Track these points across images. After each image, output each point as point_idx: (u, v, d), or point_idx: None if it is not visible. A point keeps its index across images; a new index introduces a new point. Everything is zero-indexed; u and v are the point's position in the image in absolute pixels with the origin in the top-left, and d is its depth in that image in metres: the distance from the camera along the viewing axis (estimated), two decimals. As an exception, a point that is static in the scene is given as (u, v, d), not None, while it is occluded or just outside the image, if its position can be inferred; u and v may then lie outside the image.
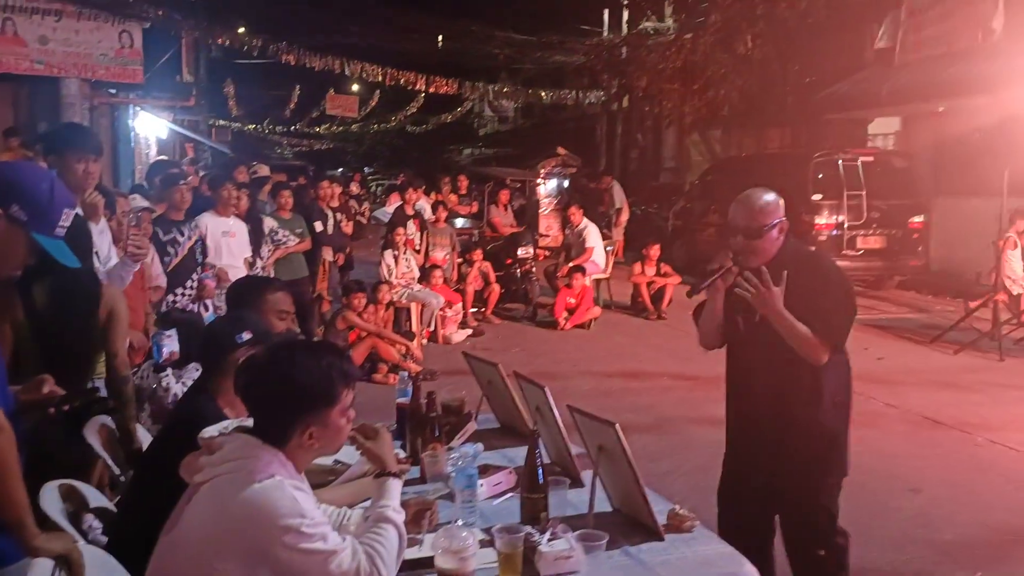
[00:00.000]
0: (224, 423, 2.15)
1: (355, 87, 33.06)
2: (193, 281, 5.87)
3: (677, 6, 20.26)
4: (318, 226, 9.00)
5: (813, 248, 3.38)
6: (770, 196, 3.11)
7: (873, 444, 5.86)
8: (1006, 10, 12.07)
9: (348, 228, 10.63)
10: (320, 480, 2.64)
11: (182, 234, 5.85)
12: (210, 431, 2.08)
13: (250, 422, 2.09)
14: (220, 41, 18.73)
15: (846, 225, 12.21)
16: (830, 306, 2.98)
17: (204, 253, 6.09)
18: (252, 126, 33.95)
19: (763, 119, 18.17)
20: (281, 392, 2.03)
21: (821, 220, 12.27)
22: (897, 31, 14.03)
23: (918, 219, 12.68)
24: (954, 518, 4.67)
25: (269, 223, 7.78)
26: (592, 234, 11.38)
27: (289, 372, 2.03)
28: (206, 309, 5.86)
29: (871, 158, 12.80)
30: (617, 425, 2.39)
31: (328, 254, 9.34)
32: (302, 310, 7.81)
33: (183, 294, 5.80)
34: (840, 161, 12.42)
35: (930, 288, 12.71)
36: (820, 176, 12.39)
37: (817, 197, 12.34)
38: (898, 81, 13.38)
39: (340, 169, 38.84)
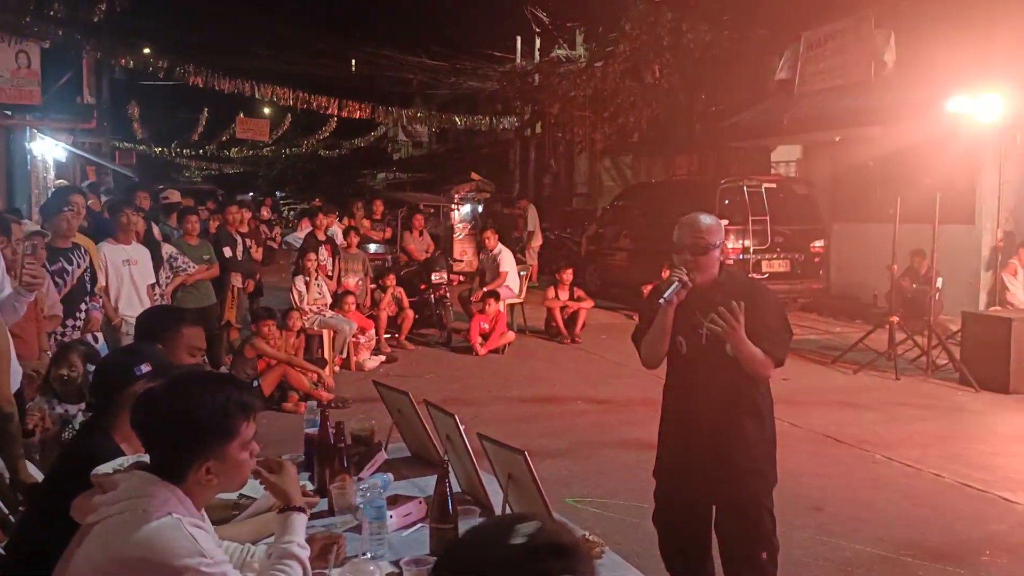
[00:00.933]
0: (119, 460, 2.06)
1: (266, 111, 32.61)
2: (82, 312, 5.62)
3: (588, 35, 20.68)
4: (226, 252, 8.81)
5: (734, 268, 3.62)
6: (713, 218, 3.37)
7: (778, 463, 6.01)
8: (897, 46, 12.70)
9: (258, 254, 10.43)
10: (223, 516, 2.56)
11: (70, 262, 5.57)
12: (104, 468, 2.00)
13: (147, 458, 2.02)
14: (123, 62, 18.24)
15: (752, 249, 12.58)
16: (775, 326, 3.23)
17: (93, 282, 5.83)
18: (159, 149, 33.08)
19: (672, 146, 18.65)
20: (177, 426, 1.96)
21: (728, 244, 12.61)
22: (796, 63, 14.60)
23: (819, 244, 13.16)
24: (855, 535, 4.82)
25: (168, 249, 7.54)
26: (506, 259, 11.45)
27: (185, 405, 1.97)
28: (95, 341, 5.62)
29: (774, 185, 13.25)
30: (526, 453, 2.39)
31: (237, 280, 9.14)
32: (210, 338, 7.62)
33: (73, 326, 5.54)
34: (745, 188, 12.82)
35: (830, 310, 13.19)
36: (726, 202, 12.75)
37: (724, 222, 12.65)
38: (798, 111, 13.90)
39: (251, 193, 38.12)
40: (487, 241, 11.65)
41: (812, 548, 4.63)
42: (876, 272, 11.33)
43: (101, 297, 6.00)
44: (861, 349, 9.53)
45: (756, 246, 12.59)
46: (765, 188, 12.90)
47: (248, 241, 9.88)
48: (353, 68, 26.32)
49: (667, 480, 3.49)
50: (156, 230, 7.89)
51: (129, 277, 6.37)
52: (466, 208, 19.94)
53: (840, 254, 13.68)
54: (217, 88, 18.93)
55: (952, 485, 5.72)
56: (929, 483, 5.79)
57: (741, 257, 12.57)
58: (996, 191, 11.69)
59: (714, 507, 3.35)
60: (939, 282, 9.92)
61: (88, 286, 5.72)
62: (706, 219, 3.31)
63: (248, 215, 11.09)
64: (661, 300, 3.20)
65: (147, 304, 6.45)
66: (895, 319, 9.43)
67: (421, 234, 12.51)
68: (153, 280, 6.66)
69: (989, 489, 5.60)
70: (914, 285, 10.63)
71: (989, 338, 8.58)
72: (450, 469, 2.61)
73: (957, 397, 8.28)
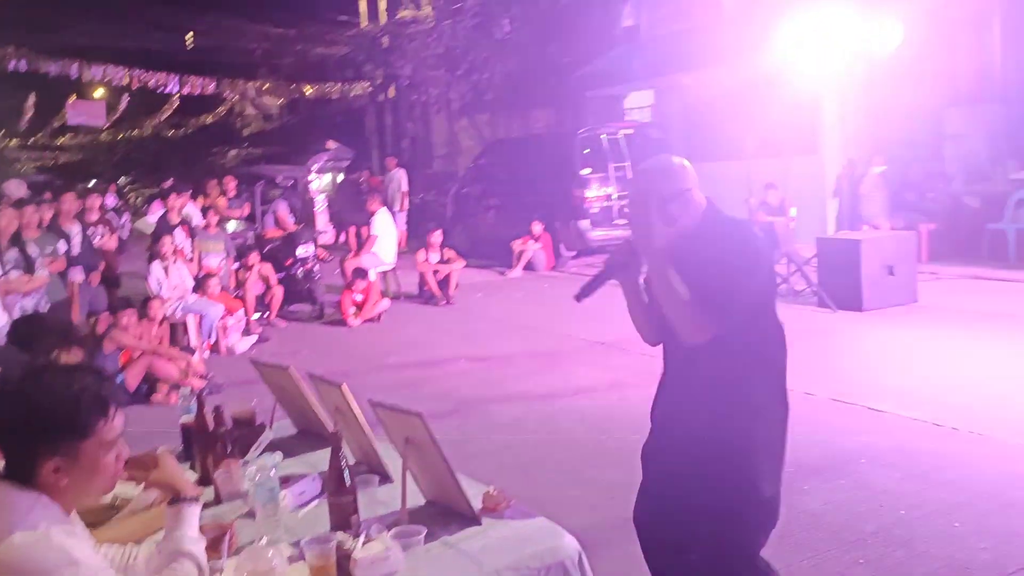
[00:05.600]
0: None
1: (99, 92, 30.64)
2: None
3: (433, -7, 20.36)
4: (61, 246, 8.14)
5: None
6: (672, 161, 2.61)
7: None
8: (734, -14, 13.08)
9: (112, 242, 9.85)
10: (98, 518, 2.36)
11: None
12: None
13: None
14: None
15: (615, 196, 12.79)
16: (710, 274, 2.40)
17: None
18: (-19, 142, 30.68)
19: (527, 101, 18.67)
20: (20, 420, 1.75)
21: (591, 193, 12.78)
22: (640, 9, 14.83)
23: (678, 185, 13.50)
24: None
25: None
26: (378, 222, 11.18)
27: (31, 397, 1.77)
28: None
29: (631, 131, 13.49)
30: (422, 414, 2.30)
31: (77, 275, 8.47)
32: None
33: None
34: (603, 135, 12.99)
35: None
36: (587, 151, 12.89)
37: (585, 171, 12.84)
38: (646, 57, 14.17)
39: (93, 181, 35.89)
40: (369, 204, 11.47)
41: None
42: (733, 208, 11.70)
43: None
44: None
45: (619, 192, 12.80)
46: (623, 134, 13.11)
47: (101, 229, 9.29)
48: (191, 41, 25.04)
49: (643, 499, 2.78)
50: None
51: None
52: (326, 178, 19.44)
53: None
54: (42, 71, 17.65)
55: (824, 402, 6.00)
56: (803, 402, 6.03)
57: (606, 204, 12.77)
58: (836, 121, 12.26)
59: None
60: (792, 211, 10.37)
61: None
62: (662, 162, 2.62)
63: (98, 202, 10.41)
64: (578, 297, 2.68)
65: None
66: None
67: (290, 207, 12.18)
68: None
69: (857, 401, 5.91)
70: (768, 217, 11.07)
71: (841, 260, 9.04)
72: (342, 441, 2.49)
73: (818, 319, 8.70)
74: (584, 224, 12.38)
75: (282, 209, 11.92)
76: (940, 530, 3.95)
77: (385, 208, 11.57)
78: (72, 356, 2.97)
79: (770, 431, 2.52)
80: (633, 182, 2.72)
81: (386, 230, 11.26)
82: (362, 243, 11.33)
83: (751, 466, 2.47)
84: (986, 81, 12.28)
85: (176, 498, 2.02)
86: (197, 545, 1.95)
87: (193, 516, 2.01)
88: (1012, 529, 3.91)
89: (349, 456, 2.63)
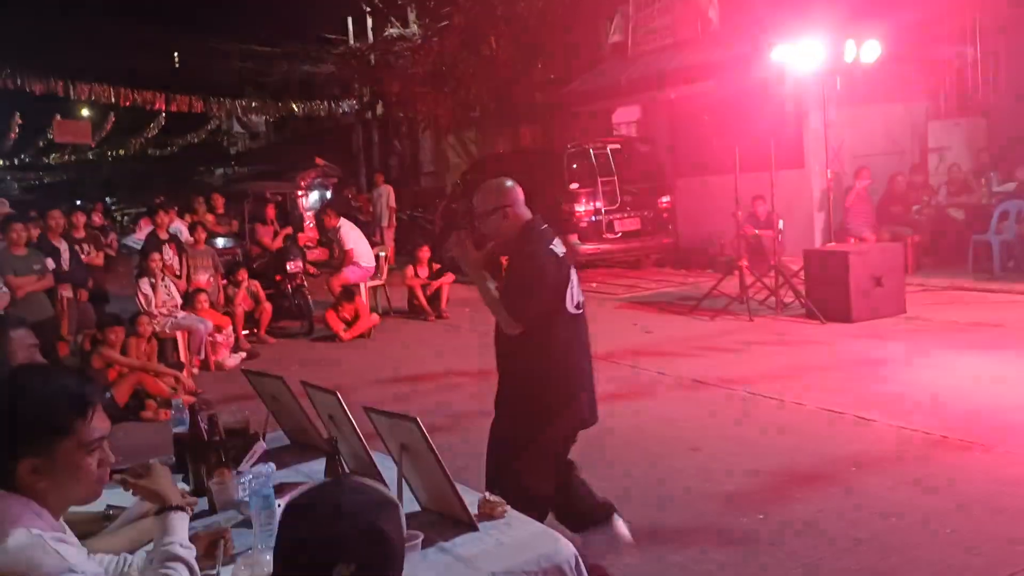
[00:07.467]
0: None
1: (85, 111, 30.59)
2: None
3: (420, 11, 20.42)
4: (49, 263, 8.13)
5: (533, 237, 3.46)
6: (490, 183, 3.50)
7: (652, 411, 6.19)
8: (720, 2, 13.18)
9: (99, 259, 9.83)
10: (90, 529, 2.35)
11: None
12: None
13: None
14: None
15: (603, 210, 12.83)
16: (511, 284, 3.31)
17: None
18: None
19: (514, 117, 18.72)
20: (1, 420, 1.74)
21: (580, 207, 12.81)
22: (627, 25, 14.93)
23: (665, 200, 13.57)
24: (732, 468, 5.00)
25: None
26: (348, 234, 11.08)
27: (9, 397, 1.75)
28: None
29: (618, 146, 13.54)
30: (418, 420, 2.31)
31: (67, 291, 8.47)
32: (48, 354, 7.08)
33: None
34: (591, 150, 13.03)
35: (681, 262, 13.65)
36: (575, 166, 12.93)
37: (574, 186, 12.88)
38: (633, 72, 14.24)
39: (79, 201, 35.80)
40: (327, 221, 11.37)
41: (695, 486, 4.76)
42: (720, 222, 11.79)
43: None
44: (715, 296, 9.89)
45: (607, 206, 12.84)
46: (610, 149, 13.16)
47: (87, 246, 9.27)
48: (177, 60, 25.04)
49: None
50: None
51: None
52: (314, 195, 19.45)
53: (685, 207, 14.15)
54: (29, 90, 17.62)
55: (814, 411, 6.02)
56: (793, 412, 6.08)
57: (594, 219, 12.81)
58: (822, 135, 12.34)
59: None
60: (780, 224, 10.42)
61: None
62: (486, 185, 3.48)
63: (83, 219, 10.40)
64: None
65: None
66: (744, 264, 9.84)
67: (274, 224, 12.14)
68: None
69: (846, 411, 5.93)
70: (756, 231, 11.14)
71: (829, 272, 9.08)
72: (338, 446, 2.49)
73: (806, 330, 8.74)
74: (573, 239, 12.40)
75: (260, 229, 11.90)
76: (932, 536, 3.96)
77: (343, 219, 11.43)
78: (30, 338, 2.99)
79: (555, 392, 3.37)
80: None
81: (355, 238, 11.12)
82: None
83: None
84: (967, 95, 12.43)
85: (163, 507, 2.02)
86: (188, 551, 1.95)
87: (181, 524, 2.00)
88: (1003, 534, 3.93)
89: (344, 465, 2.63)
